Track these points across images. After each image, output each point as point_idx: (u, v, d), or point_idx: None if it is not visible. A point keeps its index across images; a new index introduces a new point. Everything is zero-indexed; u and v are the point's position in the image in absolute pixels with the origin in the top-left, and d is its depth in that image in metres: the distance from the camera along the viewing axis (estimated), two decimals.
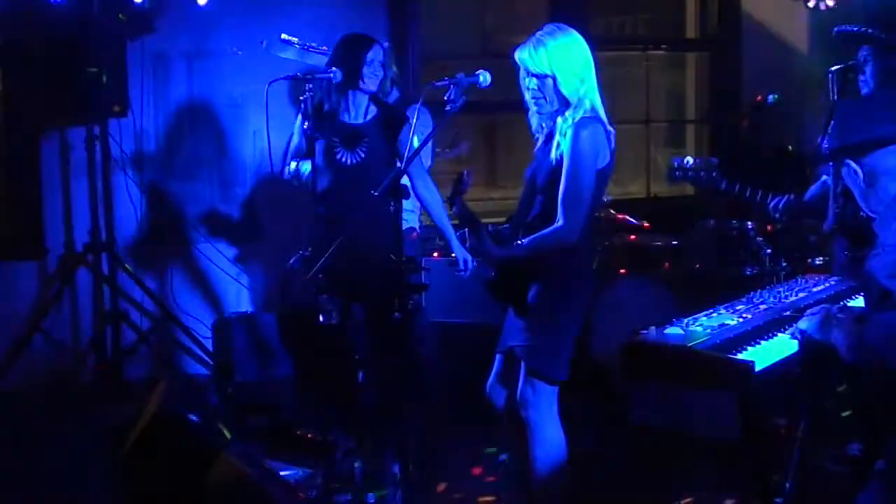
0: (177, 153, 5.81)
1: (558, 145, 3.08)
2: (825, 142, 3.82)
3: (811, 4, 5.72)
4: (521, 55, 3.13)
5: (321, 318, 3.68)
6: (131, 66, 5.40)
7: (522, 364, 3.18)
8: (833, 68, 3.92)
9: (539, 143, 3.25)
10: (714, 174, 4.00)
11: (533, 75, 3.11)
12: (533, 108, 3.20)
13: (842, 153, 3.68)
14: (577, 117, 3.06)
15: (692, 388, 3.76)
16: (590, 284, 3.28)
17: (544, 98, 3.12)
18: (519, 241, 3.13)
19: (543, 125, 3.22)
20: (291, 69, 4.59)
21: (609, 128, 3.12)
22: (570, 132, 3.04)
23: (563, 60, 3.07)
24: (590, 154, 3.03)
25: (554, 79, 3.08)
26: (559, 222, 3.04)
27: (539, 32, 3.13)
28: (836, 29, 4.04)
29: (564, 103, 3.10)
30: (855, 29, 3.96)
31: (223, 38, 5.76)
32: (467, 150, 5.91)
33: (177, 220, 5.76)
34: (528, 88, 3.16)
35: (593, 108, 3.09)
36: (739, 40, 6.17)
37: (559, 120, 3.11)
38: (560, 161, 3.06)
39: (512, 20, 6.64)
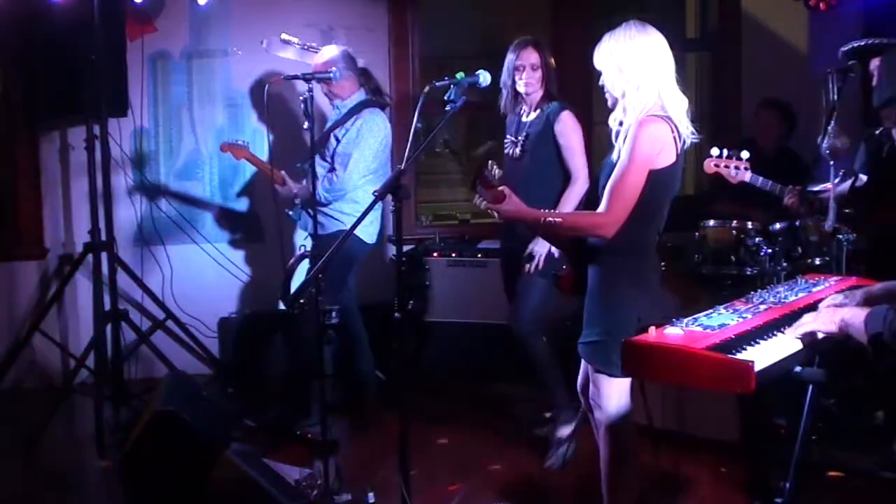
0: (177, 153, 5.81)
1: (618, 147, 3.02)
2: (875, 97, 3.82)
3: (811, 4, 5.71)
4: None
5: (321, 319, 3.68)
6: (131, 66, 5.41)
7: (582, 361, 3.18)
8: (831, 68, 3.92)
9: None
10: (743, 167, 4.17)
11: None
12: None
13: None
14: (641, 115, 2.97)
15: (692, 388, 3.76)
16: (647, 292, 3.04)
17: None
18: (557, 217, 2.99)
19: (618, 125, 3.10)
20: (291, 69, 4.60)
21: (680, 128, 3.02)
22: (631, 129, 2.96)
23: (609, 56, 3.02)
24: (645, 151, 2.92)
25: (602, 76, 3.06)
26: (600, 209, 2.97)
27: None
28: (841, 49, 4.06)
29: (616, 100, 3.05)
30: (864, 42, 3.98)
31: (223, 38, 5.76)
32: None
33: (177, 220, 5.77)
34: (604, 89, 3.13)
35: (663, 107, 3.01)
36: (739, 40, 6.17)
37: (615, 119, 3.06)
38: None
39: (512, 20, 6.63)
